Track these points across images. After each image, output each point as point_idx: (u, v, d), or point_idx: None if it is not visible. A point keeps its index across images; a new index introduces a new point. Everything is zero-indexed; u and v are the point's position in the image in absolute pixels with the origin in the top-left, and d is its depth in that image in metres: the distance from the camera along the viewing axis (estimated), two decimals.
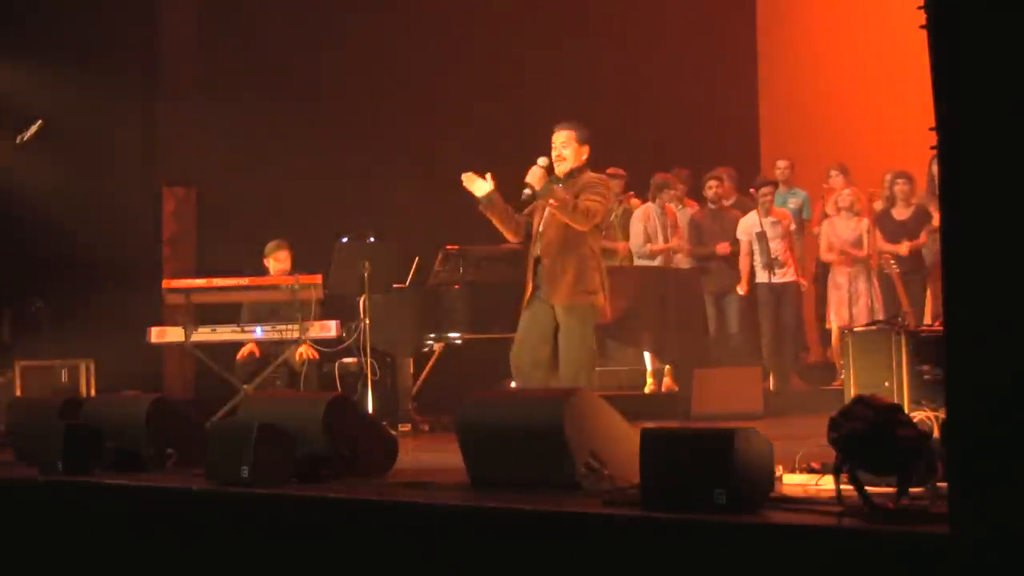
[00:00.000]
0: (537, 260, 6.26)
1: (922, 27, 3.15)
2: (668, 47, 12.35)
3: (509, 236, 6.42)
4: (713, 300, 9.86)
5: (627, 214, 10.41)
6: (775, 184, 10.18)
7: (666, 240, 9.97)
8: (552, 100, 10.95)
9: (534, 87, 11.37)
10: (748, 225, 9.81)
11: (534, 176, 6.10)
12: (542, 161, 6.18)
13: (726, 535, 3.37)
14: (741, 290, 9.84)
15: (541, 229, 6.26)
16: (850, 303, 9.57)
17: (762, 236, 9.68)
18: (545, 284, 6.21)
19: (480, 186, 6.19)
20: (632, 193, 10.55)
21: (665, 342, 9.29)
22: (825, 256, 9.81)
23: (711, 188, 10.05)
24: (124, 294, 9.70)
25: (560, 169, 6.26)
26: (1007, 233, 3.00)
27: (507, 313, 6.95)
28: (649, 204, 10.06)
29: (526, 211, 6.38)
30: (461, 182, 6.23)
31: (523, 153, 6.35)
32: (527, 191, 6.12)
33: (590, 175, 6.29)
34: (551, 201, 6.08)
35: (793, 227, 9.85)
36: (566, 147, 6.25)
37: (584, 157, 6.31)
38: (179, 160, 10.75)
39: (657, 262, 9.93)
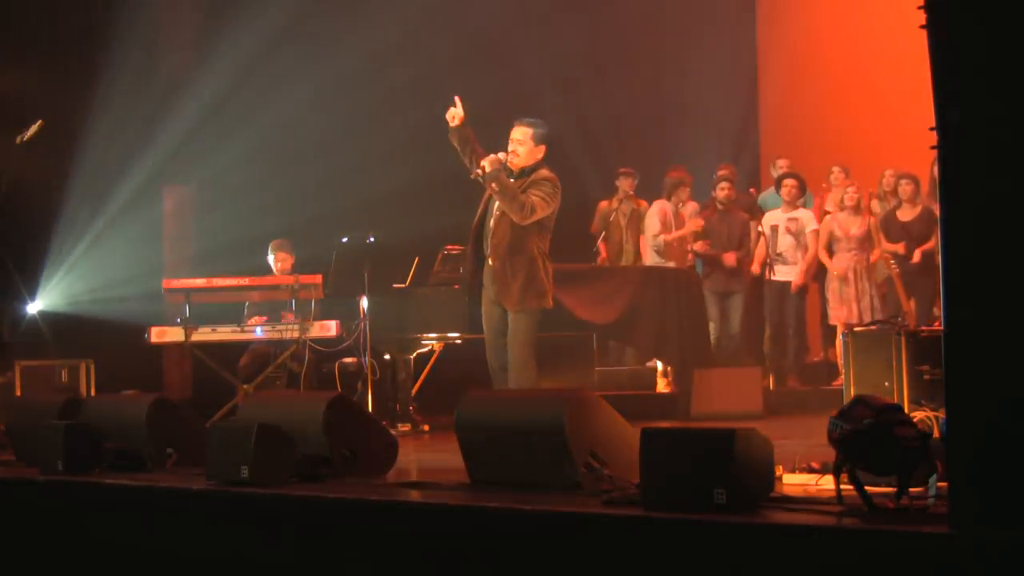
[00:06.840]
0: (486, 259, 6.33)
1: (922, 27, 3.15)
2: (668, 47, 12.34)
3: (466, 162, 6.43)
4: (717, 300, 9.80)
5: (635, 215, 10.42)
6: (799, 177, 9.96)
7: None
8: (551, 100, 10.95)
9: (532, 87, 11.36)
10: (768, 218, 9.83)
11: (490, 161, 6.22)
12: (502, 155, 6.29)
13: (726, 535, 3.37)
14: (755, 269, 9.81)
15: (491, 227, 6.32)
16: (857, 299, 9.47)
17: (774, 231, 9.67)
18: (494, 286, 6.31)
19: (455, 113, 6.31)
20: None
21: (665, 342, 9.28)
22: (823, 254, 9.69)
23: (723, 189, 9.91)
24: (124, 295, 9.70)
25: (513, 162, 6.34)
26: (1007, 233, 3.00)
27: None
28: (664, 200, 10.02)
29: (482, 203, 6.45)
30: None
31: None
32: (479, 171, 6.24)
33: (544, 173, 6.34)
34: (492, 184, 6.16)
35: (808, 229, 9.77)
36: (522, 144, 6.34)
37: (539, 156, 6.37)
38: (179, 160, 10.74)
39: (671, 264, 9.88)
